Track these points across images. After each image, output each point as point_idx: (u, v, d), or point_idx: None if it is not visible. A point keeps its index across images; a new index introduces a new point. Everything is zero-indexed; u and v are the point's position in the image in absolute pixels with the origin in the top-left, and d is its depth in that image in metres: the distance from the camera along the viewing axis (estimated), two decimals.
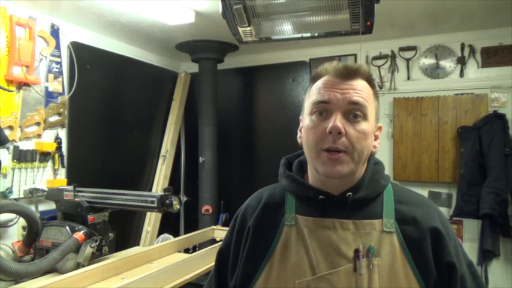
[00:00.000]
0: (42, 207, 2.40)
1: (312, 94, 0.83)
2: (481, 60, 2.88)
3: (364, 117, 0.79)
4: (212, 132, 3.34)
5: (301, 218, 0.83)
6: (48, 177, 2.49)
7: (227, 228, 0.97)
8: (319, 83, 0.83)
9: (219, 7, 1.61)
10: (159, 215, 3.40)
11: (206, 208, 3.26)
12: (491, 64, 2.85)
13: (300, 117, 0.89)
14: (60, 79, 2.58)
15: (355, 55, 3.22)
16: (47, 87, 2.49)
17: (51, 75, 2.52)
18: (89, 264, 1.86)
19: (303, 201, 0.85)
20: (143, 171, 3.46)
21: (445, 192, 2.95)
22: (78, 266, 1.92)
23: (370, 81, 0.83)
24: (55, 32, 2.54)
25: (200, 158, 3.32)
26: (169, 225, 3.54)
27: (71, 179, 2.53)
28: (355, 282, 0.75)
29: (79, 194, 2.14)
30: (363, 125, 0.78)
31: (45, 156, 2.45)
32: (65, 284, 1.56)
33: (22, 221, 2.17)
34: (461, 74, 2.92)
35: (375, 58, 3.17)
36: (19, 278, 1.82)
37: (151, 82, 3.50)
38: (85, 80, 2.73)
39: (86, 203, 2.08)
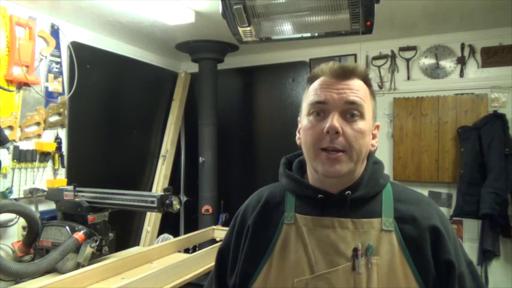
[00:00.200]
0: (42, 207, 2.40)
1: (309, 95, 0.84)
2: (481, 60, 2.88)
3: (361, 116, 0.80)
4: (212, 132, 3.34)
5: (300, 216, 0.83)
6: (48, 177, 2.49)
7: (227, 228, 0.97)
8: (315, 83, 0.83)
9: (219, 7, 1.61)
10: (159, 215, 3.40)
11: (206, 208, 3.26)
12: (491, 64, 2.85)
13: (298, 118, 0.89)
14: (60, 79, 2.58)
15: (355, 55, 3.22)
16: (47, 87, 2.49)
17: (51, 75, 2.52)
18: (89, 264, 1.87)
19: (303, 200, 0.85)
20: (143, 171, 3.46)
21: (445, 192, 2.95)
22: (78, 266, 1.92)
23: (366, 80, 0.84)
24: (55, 32, 2.54)
25: (200, 158, 3.32)
26: (169, 225, 3.54)
27: (71, 179, 2.53)
28: (353, 281, 0.75)
29: (79, 194, 2.14)
30: (360, 124, 0.79)
31: (45, 156, 2.45)
32: (65, 284, 1.56)
33: (22, 221, 2.17)
34: (461, 74, 2.92)
35: (375, 58, 3.17)
36: (19, 278, 1.82)
37: (151, 82, 3.50)
38: (85, 80, 2.73)
39: (86, 203, 2.08)
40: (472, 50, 2.89)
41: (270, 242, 0.83)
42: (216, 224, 3.10)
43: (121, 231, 2.74)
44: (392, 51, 3.11)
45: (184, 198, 3.89)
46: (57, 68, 2.56)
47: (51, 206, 2.36)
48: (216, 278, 0.95)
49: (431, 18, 2.63)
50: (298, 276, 0.78)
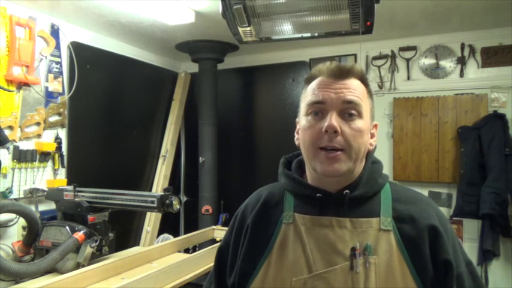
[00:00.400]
0: (42, 207, 2.40)
1: (307, 95, 0.84)
2: (481, 60, 2.88)
3: (359, 115, 0.80)
4: (212, 132, 3.34)
5: (299, 216, 0.83)
6: (48, 177, 2.49)
7: (227, 228, 0.98)
8: (313, 84, 0.84)
9: (219, 7, 1.61)
10: (159, 215, 3.40)
11: (206, 208, 3.26)
12: (491, 64, 2.85)
13: (297, 119, 0.90)
14: (60, 79, 2.58)
15: (355, 55, 3.22)
16: (47, 87, 2.49)
17: (51, 75, 2.52)
18: (89, 264, 1.87)
19: (301, 200, 0.85)
20: (143, 171, 3.46)
21: (445, 192, 2.95)
22: (78, 266, 1.92)
23: (363, 80, 0.85)
24: (55, 32, 2.54)
25: (200, 158, 3.32)
26: (169, 225, 3.54)
27: (71, 179, 2.53)
28: (351, 280, 0.75)
29: (79, 194, 2.14)
30: (358, 123, 0.79)
31: (45, 156, 2.45)
32: (65, 284, 1.56)
33: (22, 221, 2.17)
34: (461, 74, 2.92)
35: (375, 58, 3.17)
36: (19, 278, 1.81)
37: (151, 82, 3.50)
38: (85, 80, 2.73)
39: (86, 203, 2.08)
40: (472, 50, 2.89)
41: (268, 241, 0.83)
42: (216, 224, 3.10)
43: (121, 231, 2.74)
44: (392, 51, 3.11)
45: (184, 198, 3.89)
46: (57, 68, 2.56)
47: (51, 206, 2.36)
48: (215, 277, 0.95)
49: (431, 18, 2.63)
50: (296, 276, 0.78)
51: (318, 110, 0.80)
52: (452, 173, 2.86)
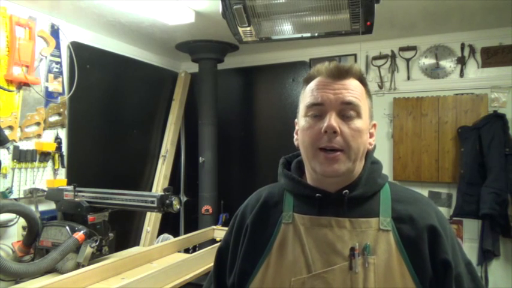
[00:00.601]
0: (42, 207, 2.40)
1: (305, 96, 0.84)
2: (481, 60, 2.87)
3: (358, 115, 0.80)
4: (212, 132, 3.34)
5: (298, 216, 0.83)
6: (48, 177, 2.49)
7: (227, 228, 0.98)
8: (312, 84, 0.84)
9: (219, 7, 1.61)
10: (159, 215, 3.40)
11: (206, 208, 3.26)
12: (491, 64, 2.85)
13: (296, 120, 0.90)
14: (60, 79, 2.58)
15: (355, 55, 3.22)
16: (47, 87, 2.49)
17: (51, 75, 2.52)
18: (89, 264, 1.87)
19: (301, 200, 0.86)
20: (143, 171, 3.46)
21: (445, 192, 2.95)
22: (78, 266, 1.92)
23: (362, 80, 0.85)
24: (55, 32, 2.54)
25: (200, 158, 3.32)
26: (169, 225, 3.54)
27: (71, 179, 2.53)
28: (350, 280, 0.75)
29: (79, 194, 2.14)
30: (357, 123, 0.80)
31: (45, 156, 2.45)
32: (65, 284, 1.56)
33: (22, 221, 2.17)
34: (461, 74, 2.92)
35: (375, 58, 3.17)
36: (19, 278, 1.82)
37: (151, 82, 3.50)
38: (85, 80, 2.73)
39: (86, 203, 2.08)
40: (472, 50, 2.89)
41: (268, 241, 0.83)
42: (216, 224, 3.10)
43: (121, 231, 2.74)
44: (392, 51, 3.11)
45: (184, 198, 3.89)
46: (57, 68, 2.56)
47: (51, 206, 2.36)
48: (215, 278, 0.95)
49: (431, 18, 2.63)
50: (296, 276, 0.78)
51: (317, 111, 0.81)
52: (452, 173, 2.86)
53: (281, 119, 3.44)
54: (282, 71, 3.49)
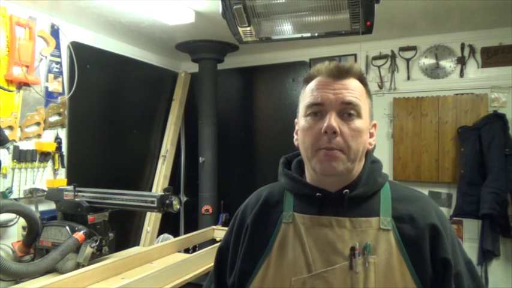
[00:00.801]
0: (42, 207, 2.40)
1: (305, 96, 0.84)
2: (481, 60, 2.88)
3: (358, 115, 0.80)
4: (212, 132, 3.34)
5: (298, 215, 0.83)
6: (48, 177, 2.48)
7: (227, 228, 0.98)
8: (312, 84, 0.84)
9: (219, 7, 1.61)
10: (159, 215, 3.40)
11: (206, 208, 3.26)
12: (491, 64, 2.85)
13: (296, 120, 0.90)
14: (60, 79, 2.58)
15: (355, 55, 3.22)
16: (47, 87, 2.49)
17: (51, 75, 2.52)
18: (89, 264, 1.87)
19: (301, 199, 0.85)
20: (143, 171, 3.46)
21: (445, 192, 2.95)
22: (78, 266, 1.92)
23: (362, 79, 0.84)
24: (55, 32, 2.54)
25: (200, 158, 3.32)
26: (169, 225, 3.54)
27: (71, 179, 2.53)
28: (350, 280, 0.75)
29: (79, 194, 2.14)
30: (357, 123, 0.79)
31: (45, 156, 2.45)
32: (65, 284, 1.56)
33: (22, 221, 2.17)
34: (461, 74, 2.92)
35: (375, 58, 3.17)
36: (19, 278, 1.81)
37: (151, 82, 3.50)
38: (85, 80, 2.73)
39: (86, 203, 2.08)
40: (472, 50, 2.89)
41: (268, 241, 0.83)
42: (216, 224, 3.10)
43: (121, 231, 2.74)
44: (392, 51, 3.11)
45: (184, 198, 3.89)
46: (57, 68, 2.56)
47: (51, 206, 2.36)
48: (215, 277, 0.95)
49: (431, 18, 2.63)
50: (296, 275, 0.78)
51: (317, 111, 0.80)
52: (452, 173, 2.86)
53: (281, 119, 3.44)
54: (282, 71, 3.49)
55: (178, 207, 1.96)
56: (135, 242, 3.30)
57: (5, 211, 1.98)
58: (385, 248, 0.76)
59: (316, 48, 3.32)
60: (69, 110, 2.66)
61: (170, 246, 2.25)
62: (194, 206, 3.51)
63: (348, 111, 0.79)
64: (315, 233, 0.80)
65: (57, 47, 2.55)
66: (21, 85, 2.31)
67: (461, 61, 2.92)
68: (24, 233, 2.16)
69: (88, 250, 1.96)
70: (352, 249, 0.76)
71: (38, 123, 2.43)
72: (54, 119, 2.55)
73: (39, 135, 2.44)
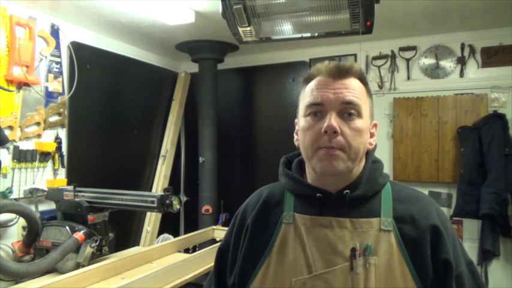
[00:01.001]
0: (42, 207, 2.40)
1: (305, 96, 0.84)
2: (481, 60, 2.87)
3: (359, 115, 0.80)
4: (212, 132, 3.34)
5: (298, 216, 0.83)
6: (48, 177, 2.48)
7: (227, 228, 0.98)
8: (312, 84, 0.83)
9: (219, 7, 1.61)
10: (159, 215, 3.40)
11: (206, 208, 3.26)
12: (491, 64, 2.85)
13: (296, 120, 0.89)
14: (60, 79, 2.58)
15: (355, 55, 3.22)
16: (47, 87, 2.49)
17: (51, 75, 2.52)
18: (89, 264, 1.86)
19: (301, 200, 0.85)
20: (143, 171, 3.46)
21: (445, 192, 2.95)
22: (78, 266, 1.92)
23: (362, 79, 0.84)
24: (55, 32, 2.54)
25: (200, 158, 3.32)
26: (169, 225, 3.54)
27: (71, 179, 2.53)
28: (351, 281, 0.75)
29: (79, 194, 2.14)
30: (358, 123, 0.79)
31: (45, 156, 2.45)
32: (65, 284, 1.56)
33: (22, 221, 2.17)
34: (461, 74, 2.92)
35: (375, 58, 3.17)
36: (19, 278, 1.81)
37: (151, 82, 3.50)
38: (85, 80, 2.73)
39: (86, 203, 2.08)
40: (472, 50, 2.89)
41: (268, 241, 0.83)
42: (216, 224, 3.10)
43: (121, 231, 2.74)
44: (392, 51, 3.11)
45: (184, 198, 3.89)
46: (57, 68, 2.56)
47: (51, 206, 2.36)
48: (215, 277, 0.95)
49: (431, 18, 2.63)
50: (296, 276, 0.78)
51: (317, 111, 0.80)
52: (452, 173, 2.86)
53: (281, 119, 3.44)
54: (282, 71, 3.49)
55: (178, 207, 1.96)
56: (135, 242, 3.30)
57: (5, 211, 1.98)
58: (386, 248, 0.76)
59: (316, 48, 3.32)
60: (69, 110, 2.66)
61: (170, 246, 2.25)
62: (194, 206, 3.50)
63: (348, 111, 0.79)
64: (316, 234, 0.80)
65: (57, 47, 2.55)
66: (21, 85, 2.31)
67: (461, 61, 2.92)
68: (24, 233, 2.16)
69: (88, 250, 1.96)
70: (353, 250, 0.76)
71: (38, 123, 2.43)
72: (54, 119, 2.55)
73: (39, 135, 2.44)
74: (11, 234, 2.26)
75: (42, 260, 1.85)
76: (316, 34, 1.79)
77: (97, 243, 2.01)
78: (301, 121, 0.84)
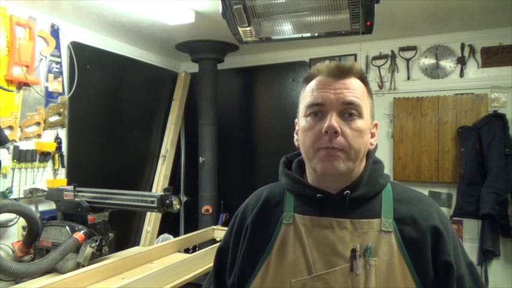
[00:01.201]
0: (42, 207, 2.40)
1: (305, 96, 0.83)
2: (481, 60, 2.87)
3: (359, 115, 0.79)
4: (212, 132, 3.34)
5: (299, 216, 0.83)
6: (48, 177, 2.48)
7: (227, 228, 0.97)
8: (312, 84, 0.83)
9: (219, 7, 1.61)
10: (159, 215, 3.40)
11: (206, 208, 3.26)
12: (491, 64, 2.85)
13: (296, 120, 0.89)
14: (60, 79, 2.58)
15: (355, 55, 3.22)
16: (47, 87, 2.49)
17: (51, 75, 2.52)
18: (89, 264, 1.86)
19: (302, 200, 0.85)
20: (143, 171, 3.46)
21: (445, 192, 2.95)
22: (78, 266, 1.92)
23: (363, 79, 0.83)
24: (55, 32, 2.54)
25: (200, 158, 3.32)
26: (169, 225, 3.54)
27: (71, 179, 2.53)
28: (351, 282, 0.74)
29: (79, 194, 2.14)
30: (359, 123, 0.79)
31: (45, 156, 2.45)
32: (65, 284, 1.55)
33: (22, 221, 2.17)
34: (461, 74, 2.92)
35: (375, 58, 3.17)
36: (19, 278, 1.81)
37: (151, 82, 3.50)
38: (85, 80, 2.73)
39: (86, 203, 2.08)
40: (472, 50, 2.89)
41: (268, 241, 0.83)
42: (216, 224, 3.10)
43: (121, 231, 2.74)
44: (392, 51, 3.11)
45: (184, 198, 3.89)
46: (57, 68, 2.56)
47: (51, 206, 2.36)
48: (214, 277, 0.95)
49: (431, 18, 2.63)
50: (296, 277, 0.77)
51: (318, 111, 0.80)
52: (452, 173, 2.86)
53: (281, 119, 3.44)
54: (282, 71, 3.49)
55: (178, 207, 1.96)
56: (135, 242, 3.30)
57: (5, 211, 1.98)
58: (387, 250, 0.76)
59: (316, 48, 3.32)
60: (69, 110, 2.66)
61: (170, 246, 2.25)
62: (194, 206, 3.51)
63: (349, 111, 0.78)
64: (316, 235, 0.79)
65: (57, 47, 2.55)
66: (21, 85, 2.31)
67: (461, 61, 2.92)
68: (24, 233, 2.16)
69: (88, 250, 1.96)
70: (353, 251, 0.76)
71: (38, 123, 2.43)
72: (54, 119, 2.55)
73: (39, 135, 2.44)
74: (11, 234, 2.26)
75: (42, 260, 1.85)
76: (316, 34, 1.79)
77: (97, 243, 2.01)
78: (301, 121, 0.84)
